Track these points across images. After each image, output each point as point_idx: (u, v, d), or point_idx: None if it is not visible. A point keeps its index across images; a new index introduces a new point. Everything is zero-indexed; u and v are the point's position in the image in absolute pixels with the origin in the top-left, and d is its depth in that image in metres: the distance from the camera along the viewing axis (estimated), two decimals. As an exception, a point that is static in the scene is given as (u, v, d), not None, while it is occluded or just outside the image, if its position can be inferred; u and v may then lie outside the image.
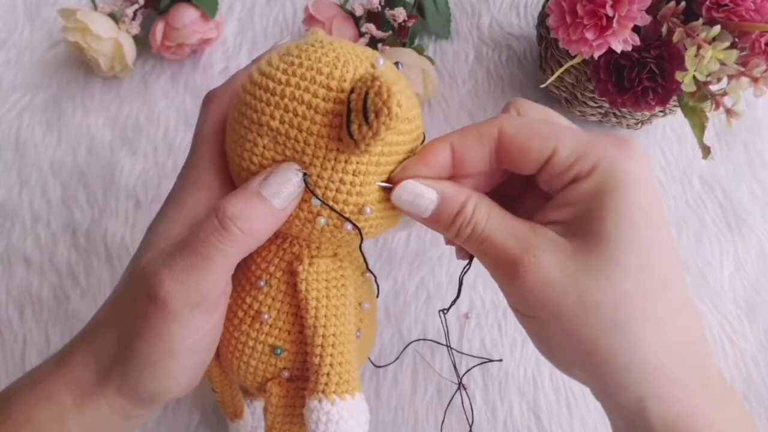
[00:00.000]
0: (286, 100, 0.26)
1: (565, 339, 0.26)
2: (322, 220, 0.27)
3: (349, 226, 0.28)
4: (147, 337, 0.26)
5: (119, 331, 0.28)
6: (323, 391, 0.28)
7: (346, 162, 0.26)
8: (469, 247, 0.28)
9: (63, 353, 0.29)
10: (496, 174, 0.29)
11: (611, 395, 0.27)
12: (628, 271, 0.25)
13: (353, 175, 0.26)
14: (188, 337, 0.27)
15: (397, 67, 0.29)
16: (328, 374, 0.29)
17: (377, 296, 0.36)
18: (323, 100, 0.25)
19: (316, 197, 0.27)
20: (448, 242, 0.32)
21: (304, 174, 0.26)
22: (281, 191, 0.26)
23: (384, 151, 0.27)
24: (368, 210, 0.27)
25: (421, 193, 0.27)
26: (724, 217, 0.55)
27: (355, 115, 0.25)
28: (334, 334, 0.29)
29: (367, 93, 0.24)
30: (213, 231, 0.26)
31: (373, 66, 0.27)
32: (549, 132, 0.26)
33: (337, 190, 0.27)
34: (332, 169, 0.26)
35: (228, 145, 0.29)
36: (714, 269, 0.53)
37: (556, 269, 0.25)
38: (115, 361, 0.27)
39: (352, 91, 0.25)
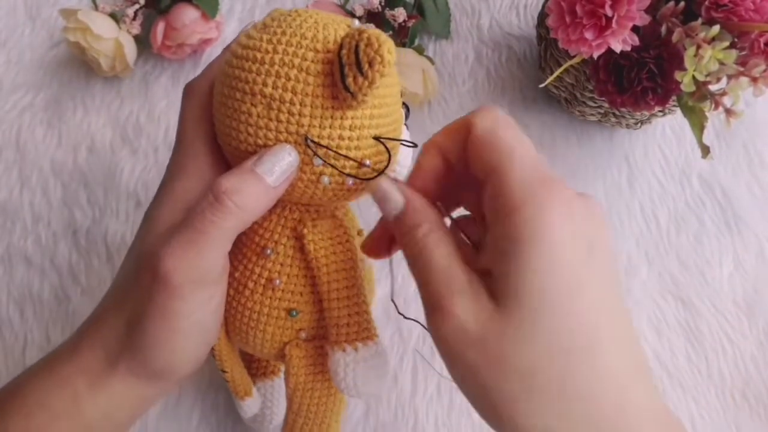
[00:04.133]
0: (276, 67, 0.27)
1: (479, 398, 0.25)
2: (325, 179, 0.29)
3: (351, 182, 0.29)
4: (153, 316, 0.27)
5: (126, 314, 0.28)
6: (346, 341, 0.30)
7: (342, 118, 0.27)
8: (411, 267, 0.27)
9: (73, 341, 0.29)
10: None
11: None
12: (538, 338, 0.23)
13: (350, 129, 0.28)
14: (191, 315, 0.27)
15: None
16: (347, 324, 0.31)
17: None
18: (312, 62, 0.27)
19: (318, 156, 0.28)
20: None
21: (306, 136, 0.27)
22: (274, 168, 0.27)
23: (376, 104, 0.28)
24: (368, 163, 0.29)
25: (390, 196, 0.27)
26: (723, 217, 0.55)
27: (349, 68, 0.26)
28: (347, 287, 0.31)
29: (357, 46, 0.25)
30: (208, 206, 0.26)
31: (348, 26, 0.28)
32: (488, 156, 0.24)
33: (336, 147, 0.28)
34: (330, 126, 0.27)
35: (220, 125, 0.30)
36: (713, 269, 0.53)
37: (474, 325, 0.24)
38: (123, 342, 0.28)
39: (341, 47, 0.26)
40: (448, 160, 0.28)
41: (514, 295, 0.23)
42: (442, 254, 0.26)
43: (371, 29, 0.25)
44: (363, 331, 0.31)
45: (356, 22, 0.28)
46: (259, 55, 0.27)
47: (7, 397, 0.29)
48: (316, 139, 0.28)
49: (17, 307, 0.49)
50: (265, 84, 0.27)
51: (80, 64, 0.57)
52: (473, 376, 0.24)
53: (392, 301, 0.32)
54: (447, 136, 0.27)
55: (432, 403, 0.47)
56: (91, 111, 0.56)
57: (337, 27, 0.28)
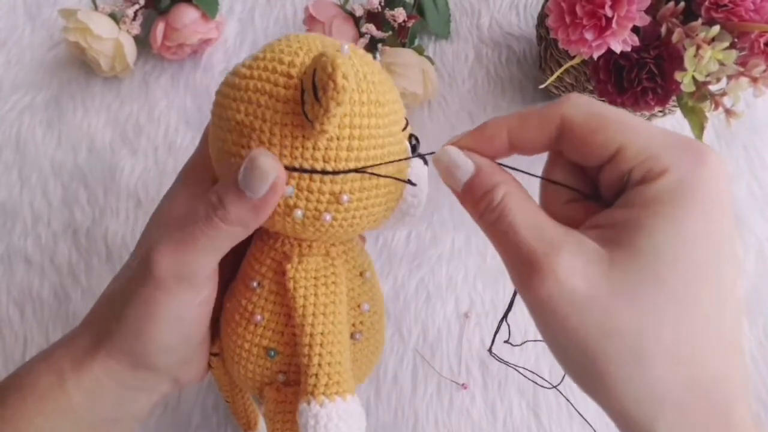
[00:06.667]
0: (249, 93, 0.25)
1: (580, 362, 0.23)
2: (299, 212, 0.26)
3: (328, 217, 0.27)
4: (135, 302, 0.28)
5: (114, 302, 0.30)
6: (311, 393, 0.27)
7: (314, 148, 0.25)
8: (492, 236, 0.25)
9: (72, 330, 0.32)
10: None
11: (624, 426, 0.24)
12: (668, 297, 0.21)
13: (324, 161, 0.25)
14: (171, 307, 0.28)
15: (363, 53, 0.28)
16: (316, 374, 0.27)
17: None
18: (284, 87, 0.25)
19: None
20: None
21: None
22: (257, 186, 0.25)
23: (354, 135, 0.26)
24: (345, 198, 0.26)
25: (459, 162, 0.25)
26: (724, 217, 0.55)
27: (307, 94, 0.24)
28: (322, 333, 0.28)
29: (315, 71, 0.23)
30: (203, 218, 0.27)
31: (338, 51, 0.25)
32: (617, 126, 0.23)
33: (309, 178, 0.26)
34: (301, 156, 0.25)
35: (209, 149, 0.29)
36: (713, 269, 0.53)
37: (581, 281, 0.22)
38: (106, 328, 0.30)
39: (305, 72, 0.24)
40: (515, 147, 0.26)
41: (651, 249, 0.22)
42: (530, 211, 0.24)
43: (332, 53, 0.23)
44: (333, 384, 0.27)
45: (345, 47, 0.26)
46: (237, 80, 0.26)
47: (9, 380, 0.31)
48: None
49: (17, 307, 0.49)
50: (237, 110, 0.26)
51: (80, 64, 0.57)
52: (576, 339, 0.22)
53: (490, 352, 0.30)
54: (525, 127, 0.25)
55: (432, 403, 0.46)
56: (91, 111, 0.56)
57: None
